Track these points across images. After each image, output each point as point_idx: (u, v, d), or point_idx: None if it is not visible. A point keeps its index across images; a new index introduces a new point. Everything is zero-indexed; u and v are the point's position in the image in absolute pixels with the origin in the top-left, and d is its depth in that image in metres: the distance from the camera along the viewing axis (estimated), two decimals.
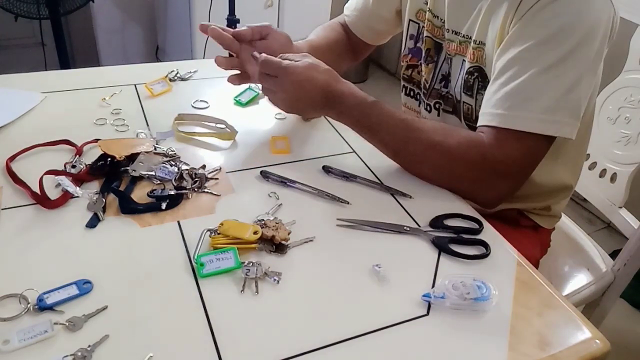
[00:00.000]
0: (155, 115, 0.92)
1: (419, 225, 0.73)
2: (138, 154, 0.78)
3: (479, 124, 0.80)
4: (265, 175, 0.79)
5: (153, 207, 0.71)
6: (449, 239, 0.70)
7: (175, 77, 1.05)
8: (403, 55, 1.05)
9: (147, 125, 0.90)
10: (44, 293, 0.57)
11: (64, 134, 0.83)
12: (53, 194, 0.72)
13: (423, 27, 0.97)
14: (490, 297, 0.61)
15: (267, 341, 0.55)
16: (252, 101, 1.00)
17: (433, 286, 0.63)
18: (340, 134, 0.92)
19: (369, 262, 0.65)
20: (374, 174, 0.83)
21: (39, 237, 0.65)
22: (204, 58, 2.23)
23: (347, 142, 0.90)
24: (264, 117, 0.96)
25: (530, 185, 0.86)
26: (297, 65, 0.81)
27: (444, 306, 0.61)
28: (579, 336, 0.59)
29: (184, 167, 0.78)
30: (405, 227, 0.72)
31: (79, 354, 0.51)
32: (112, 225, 0.68)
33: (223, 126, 0.91)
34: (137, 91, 1.00)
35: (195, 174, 0.77)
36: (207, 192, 0.75)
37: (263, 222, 0.68)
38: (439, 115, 0.99)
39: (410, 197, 0.78)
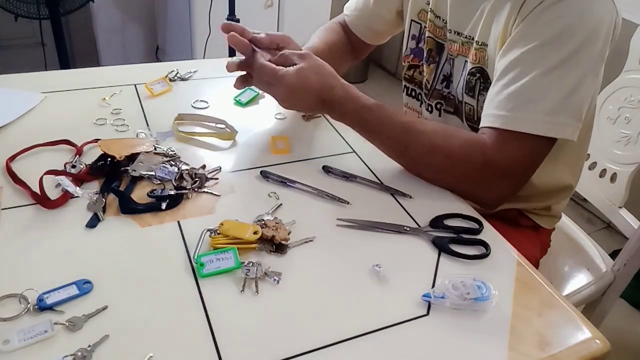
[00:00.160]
0: (155, 115, 0.92)
1: (419, 225, 0.73)
2: (138, 154, 0.78)
3: (481, 125, 0.80)
4: (265, 175, 0.79)
5: (153, 207, 0.71)
6: (449, 239, 0.70)
7: (175, 77, 1.05)
8: (404, 56, 1.05)
9: (147, 125, 0.90)
10: (44, 293, 0.57)
11: (64, 134, 0.83)
12: (53, 194, 0.72)
13: (425, 27, 0.97)
14: (490, 297, 0.61)
15: (267, 341, 0.55)
16: (252, 101, 1.00)
17: (433, 286, 0.63)
18: (340, 134, 0.92)
19: (369, 262, 0.65)
20: (374, 174, 0.83)
21: (39, 237, 0.65)
22: (204, 58, 2.23)
23: (347, 142, 0.90)
24: (264, 117, 0.96)
25: (530, 186, 0.86)
26: (290, 74, 0.79)
27: (444, 306, 0.61)
28: (579, 336, 0.59)
29: (184, 167, 0.78)
30: (405, 227, 0.72)
31: (79, 354, 0.51)
32: (112, 225, 0.68)
33: (223, 126, 0.91)
34: (137, 91, 1.00)
35: (195, 174, 0.77)
36: (207, 192, 0.75)
37: (263, 222, 0.68)
38: (440, 115, 0.99)
39: (410, 197, 0.78)
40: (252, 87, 1.00)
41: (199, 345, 0.54)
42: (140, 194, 0.73)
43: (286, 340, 0.55)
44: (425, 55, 0.98)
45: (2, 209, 0.69)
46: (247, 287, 0.61)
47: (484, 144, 0.77)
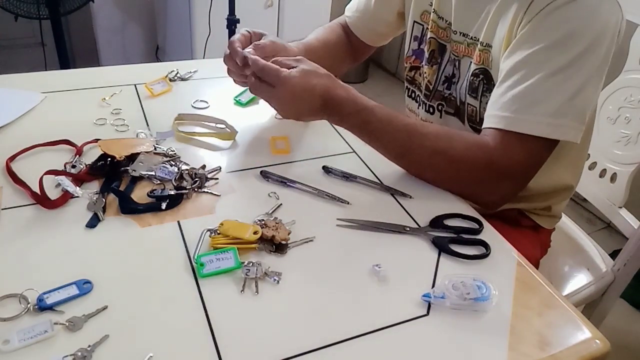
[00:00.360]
0: (155, 115, 0.92)
1: (419, 225, 0.73)
2: (138, 154, 0.78)
3: (484, 125, 0.80)
4: (265, 175, 0.79)
5: (153, 207, 0.71)
6: (449, 239, 0.70)
7: (175, 77, 1.05)
8: (406, 57, 1.05)
9: (147, 125, 0.90)
10: (44, 293, 0.57)
11: (64, 134, 0.83)
12: (53, 194, 0.72)
13: (427, 28, 0.97)
14: (490, 297, 0.61)
15: (267, 341, 0.55)
16: (252, 101, 1.00)
17: (433, 286, 0.63)
18: (340, 134, 0.92)
19: (369, 262, 0.65)
20: (374, 174, 0.83)
21: (39, 237, 0.65)
22: (204, 58, 2.23)
23: (347, 142, 0.90)
24: (264, 117, 0.96)
25: (531, 186, 0.86)
26: (294, 75, 0.77)
27: (444, 306, 0.61)
28: (579, 336, 0.59)
29: (184, 167, 0.78)
30: (405, 227, 0.72)
31: (79, 354, 0.51)
32: (112, 225, 0.68)
33: (223, 126, 0.91)
34: (137, 91, 1.00)
35: (195, 174, 0.77)
36: (207, 192, 0.75)
37: (263, 222, 0.68)
38: (441, 117, 0.99)
39: (410, 197, 0.78)
40: None
41: (199, 345, 0.54)
42: (140, 194, 0.73)
43: (286, 340, 0.55)
44: (426, 56, 0.98)
45: (2, 209, 0.69)
46: (247, 287, 0.61)
47: (487, 146, 0.77)
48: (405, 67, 1.06)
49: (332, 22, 1.13)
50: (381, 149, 0.82)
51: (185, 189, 0.74)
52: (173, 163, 0.79)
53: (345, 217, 0.73)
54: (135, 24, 2.60)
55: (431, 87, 0.99)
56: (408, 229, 0.72)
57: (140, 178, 0.76)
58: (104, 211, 0.69)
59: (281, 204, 0.74)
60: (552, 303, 0.63)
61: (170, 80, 1.04)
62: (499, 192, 0.80)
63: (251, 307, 0.59)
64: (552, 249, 1.07)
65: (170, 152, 0.81)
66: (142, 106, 0.95)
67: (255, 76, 0.80)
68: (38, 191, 0.70)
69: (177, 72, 1.06)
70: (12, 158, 0.78)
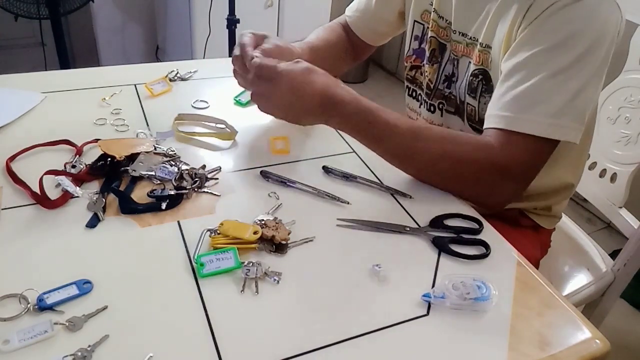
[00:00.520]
0: (155, 115, 0.92)
1: (419, 225, 0.73)
2: (138, 154, 0.78)
3: (485, 125, 0.80)
4: (265, 175, 0.79)
5: (153, 207, 0.71)
6: (449, 239, 0.70)
7: (175, 77, 1.05)
8: (407, 56, 1.05)
9: (147, 125, 0.90)
10: (44, 293, 0.57)
11: (64, 134, 0.83)
12: (53, 194, 0.72)
13: (427, 27, 0.97)
14: (490, 297, 0.61)
15: (267, 341, 0.55)
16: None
17: (433, 286, 0.63)
18: (340, 134, 0.92)
19: (369, 262, 0.65)
20: (374, 174, 0.83)
21: (39, 237, 0.65)
22: (204, 58, 2.23)
23: (347, 142, 0.90)
24: (264, 117, 0.96)
25: (532, 186, 0.86)
26: (293, 68, 0.77)
27: (444, 306, 0.61)
28: (579, 336, 0.59)
29: (184, 167, 0.78)
30: (405, 227, 0.72)
31: (79, 354, 0.51)
32: (112, 225, 0.68)
33: (223, 126, 0.91)
34: (137, 91, 1.00)
35: (195, 174, 0.77)
36: (207, 192, 0.75)
37: (263, 222, 0.68)
38: (442, 115, 0.99)
39: (410, 197, 0.78)
40: None
41: (199, 345, 0.54)
42: (140, 194, 0.73)
43: (286, 340, 0.55)
44: (427, 55, 0.98)
45: (2, 209, 0.69)
46: (247, 287, 0.61)
47: (491, 147, 0.76)
48: (406, 67, 1.06)
49: (332, 22, 1.13)
50: (384, 153, 0.80)
51: (185, 189, 0.74)
52: (173, 163, 0.79)
53: (345, 217, 0.73)
54: (135, 24, 2.60)
55: (432, 86, 0.99)
56: (408, 229, 0.72)
57: (140, 178, 0.76)
58: (104, 211, 0.69)
59: (281, 204, 0.74)
60: (552, 303, 0.63)
61: (170, 80, 1.04)
62: (502, 194, 0.80)
63: (251, 307, 0.59)
64: (552, 249, 1.07)
65: (170, 152, 0.81)
66: (142, 106, 0.95)
67: (255, 75, 0.79)
68: (38, 191, 0.70)
69: (177, 72, 1.06)
70: (12, 158, 0.78)
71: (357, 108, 0.77)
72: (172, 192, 0.73)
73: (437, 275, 0.65)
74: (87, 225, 0.67)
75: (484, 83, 0.87)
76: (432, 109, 1.01)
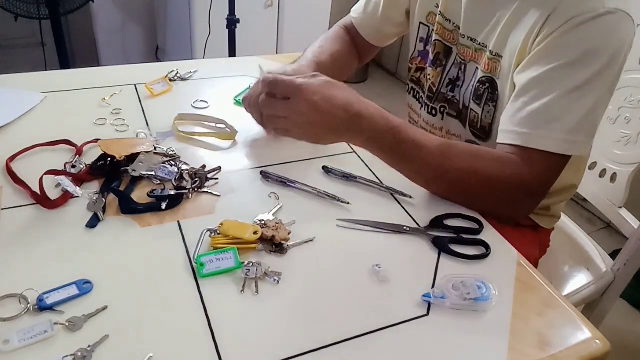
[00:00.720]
0: (155, 115, 0.92)
1: (419, 225, 0.73)
2: (138, 154, 0.78)
3: (501, 140, 0.79)
4: (265, 175, 0.79)
5: (153, 207, 0.71)
6: (449, 239, 0.70)
7: (175, 77, 1.05)
8: (412, 58, 1.05)
9: (147, 125, 0.90)
10: (44, 293, 0.57)
11: (64, 134, 0.83)
12: (53, 194, 0.72)
13: (432, 30, 0.97)
14: (490, 297, 0.61)
15: (267, 341, 0.55)
16: None
17: (433, 286, 0.63)
18: None
19: (369, 262, 0.65)
20: (374, 174, 0.83)
21: (39, 237, 0.65)
22: (204, 58, 2.23)
23: (347, 142, 0.90)
24: None
25: None
26: (312, 82, 0.71)
27: (444, 306, 0.61)
28: (579, 336, 0.59)
29: (184, 167, 0.78)
30: (405, 227, 0.72)
31: (79, 354, 0.51)
32: (112, 225, 0.68)
33: (223, 126, 0.91)
34: (137, 91, 1.00)
35: (195, 174, 0.77)
36: (207, 192, 0.75)
37: (263, 222, 0.69)
38: (443, 119, 0.99)
39: (410, 197, 0.78)
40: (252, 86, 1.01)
41: (199, 345, 0.54)
42: (140, 194, 0.73)
43: (286, 340, 0.55)
44: (431, 57, 0.98)
45: (2, 209, 0.69)
46: (247, 287, 0.61)
47: (516, 163, 0.75)
48: (411, 68, 1.06)
49: (335, 29, 1.11)
50: (410, 172, 0.77)
51: (185, 189, 0.74)
52: (173, 163, 0.79)
53: (345, 217, 0.73)
54: (135, 24, 2.60)
55: (434, 89, 0.99)
56: (408, 229, 0.72)
57: (140, 178, 0.76)
58: (104, 211, 0.69)
59: (281, 204, 0.74)
60: (552, 303, 0.63)
61: (170, 80, 1.04)
62: (523, 209, 0.81)
63: (251, 307, 0.59)
64: (552, 249, 1.07)
65: (170, 152, 0.81)
66: (142, 106, 0.95)
67: (267, 95, 0.73)
68: (38, 191, 0.70)
69: (177, 72, 1.06)
70: (12, 158, 0.78)
71: (386, 125, 0.74)
72: (172, 192, 0.73)
73: (437, 275, 0.65)
74: (87, 225, 0.67)
75: (489, 91, 0.87)
76: (433, 112, 1.00)
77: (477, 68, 0.89)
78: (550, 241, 1.07)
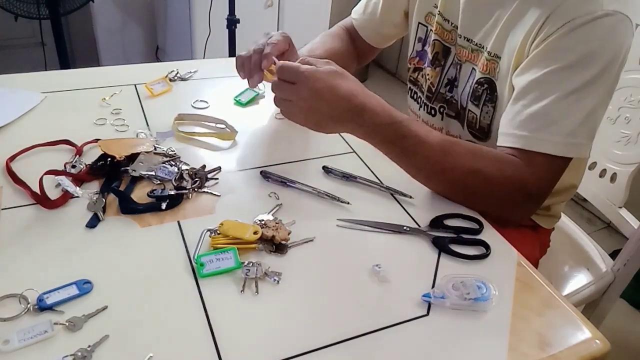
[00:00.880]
0: (155, 115, 0.92)
1: (419, 225, 0.73)
2: (138, 154, 0.78)
3: (500, 143, 0.79)
4: (265, 175, 0.79)
5: (153, 207, 0.71)
6: (449, 239, 0.70)
7: (175, 77, 1.05)
8: (410, 58, 1.05)
9: (147, 125, 0.90)
10: (44, 293, 0.57)
11: (64, 134, 0.83)
12: (53, 194, 0.72)
13: (431, 30, 0.97)
14: (490, 297, 0.61)
15: (267, 341, 0.55)
16: (252, 101, 1.00)
17: (433, 286, 0.63)
18: (340, 134, 0.92)
19: (369, 262, 0.65)
20: (374, 174, 0.83)
21: (39, 237, 0.65)
22: (204, 58, 2.23)
23: (347, 142, 0.90)
24: (264, 117, 0.96)
25: None
26: (318, 70, 0.72)
27: (444, 306, 0.61)
28: (579, 336, 0.59)
29: (184, 167, 0.78)
30: (405, 227, 0.72)
31: (79, 354, 0.51)
32: (112, 225, 0.68)
33: (223, 126, 0.91)
34: (137, 91, 1.00)
35: (195, 174, 0.77)
36: (207, 192, 0.75)
37: (263, 222, 0.69)
38: (442, 119, 0.99)
39: (410, 197, 0.78)
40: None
41: (199, 345, 0.54)
42: (140, 194, 0.73)
43: (286, 340, 0.55)
44: (430, 57, 0.98)
45: (2, 209, 0.69)
46: (247, 287, 0.61)
47: (519, 166, 0.75)
48: (409, 68, 1.06)
49: (335, 28, 1.12)
50: (411, 167, 0.78)
51: (185, 189, 0.74)
52: (173, 163, 0.79)
53: (345, 217, 0.73)
54: (135, 24, 2.60)
55: (433, 89, 0.99)
56: (408, 229, 0.72)
57: (140, 178, 0.76)
58: (104, 211, 0.69)
59: (281, 204, 0.74)
60: (552, 303, 0.63)
61: (170, 80, 1.04)
62: (525, 210, 0.81)
63: (251, 307, 0.59)
64: (552, 248, 1.07)
65: (170, 152, 0.81)
66: (142, 106, 0.95)
67: (277, 76, 0.75)
68: (38, 191, 0.70)
69: (177, 72, 1.06)
70: (12, 158, 0.78)
71: (389, 119, 0.74)
72: (172, 192, 0.73)
73: (437, 275, 0.65)
74: (87, 225, 0.67)
75: (488, 92, 0.87)
76: (432, 112, 1.00)
77: (474, 69, 0.89)
78: (550, 241, 1.07)
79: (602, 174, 1.14)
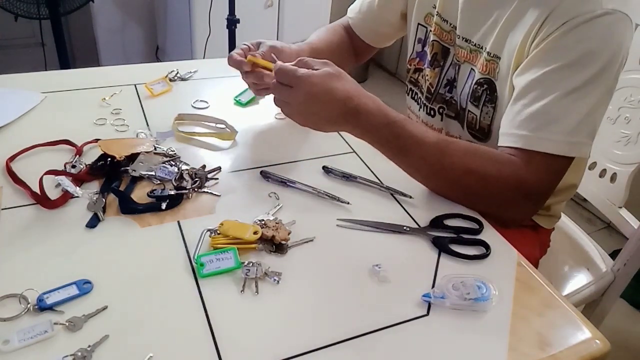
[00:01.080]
0: (155, 115, 0.92)
1: (419, 225, 0.73)
2: (138, 154, 0.78)
3: (501, 143, 0.79)
4: (265, 175, 0.79)
5: (153, 207, 0.71)
6: (449, 239, 0.70)
7: (175, 77, 1.05)
8: (410, 59, 1.05)
9: (147, 125, 0.90)
10: (44, 293, 0.57)
11: (64, 134, 0.83)
12: (53, 194, 0.72)
13: (430, 30, 0.97)
14: (490, 297, 0.61)
15: (267, 341, 0.55)
16: (252, 101, 1.00)
17: (433, 286, 0.63)
18: (340, 134, 0.92)
19: (369, 262, 0.65)
20: (374, 174, 0.83)
21: (39, 237, 0.65)
22: (204, 58, 2.23)
23: (347, 142, 0.90)
24: (264, 117, 0.96)
25: None
26: (314, 74, 0.73)
27: (444, 306, 0.61)
28: (579, 336, 0.59)
29: (184, 167, 0.78)
30: (405, 227, 0.72)
31: (79, 354, 0.51)
32: (112, 225, 0.68)
33: (223, 126, 0.91)
34: (137, 91, 1.00)
35: (195, 174, 0.77)
36: (207, 192, 0.75)
37: (263, 222, 0.69)
38: (442, 120, 0.99)
39: (410, 197, 0.78)
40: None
41: (199, 345, 0.54)
42: (140, 194, 0.73)
43: (286, 340, 0.55)
44: (429, 58, 0.98)
45: (2, 209, 0.69)
46: (247, 287, 0.61)
47: (517, 164, 0.75)
48: (409, 69, 1.06)
49: (333, 24, 1.12)
50: (407, 166, 0.78)
51: (185, 189, 0.74)
52: (173, 163, 0.79)
53: (345, 217, 0.73)
54: (135, 24, 2.60)
55: (432, 90, 0.99)
56: (408, 229, 0.72)
57: (140, 178, 0.76)
58: (104, 211, 0.69)
59: (281, 204, 0.74)
60: (552, 303, 0.63)
61: (170, 80, 1.04)
62: (524, 211, 0.80)
63: (251, 307, 0.59)
64: (552, 249, 1.07)
65: (170, 152, 0.81)
66: (142, 106, 0.95)
67: (276, 79, 0.76)
68: (38, 191, 0.70)
69: (177, 72, 1.06)
70: (12, 158, 0.78)
71: (384, 119, 0.75)
72: (172, 192, 0.73)
73: (437, 275, 0.65)
74: (87, 225, 0.67)
75: (488, 93, 0.87)
76: (432, 113, 1.00)
77: (472, 69, 0.89)
78: (550, 241, 1.07)
79: (602, 174, 1.14)
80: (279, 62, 0.76)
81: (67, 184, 0.70)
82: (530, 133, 0.75)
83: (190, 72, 1.07)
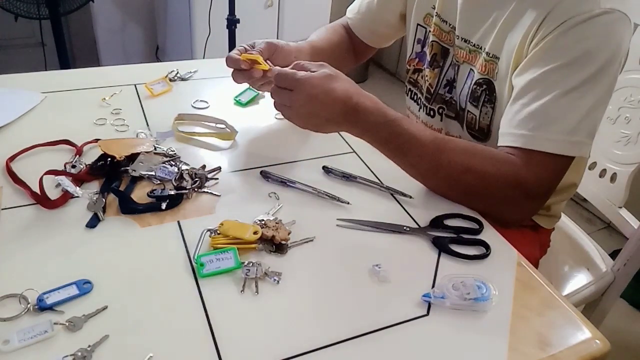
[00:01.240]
0: (155, 115, 0.92)
1: (419, 225, 0.73)
2: (138, 154, 0.78)
3: (501, 143, 0.79)
4: (265, 175, 0.79)
5: (153, 207, 0.71)
6: (449, 239, 0.70)
7: (175, 77, 1.05)
8: (410, 59, 1.05)
9: (147, 125, 0.90)
10: (44, 293, 0.57)
11: (64, 134, 0.83)
12: (53, 194, 0.72)
13: (429, 31, 0.97)
14: (490, 297, 0.61)
15: (267, 341, 0.55)
16: (252, 101, 1.00)
17: (433, 286, 0.63)
18: (340, 134, 0.92)
19: (369, 262, 0.65)
20: (374, 174, 0.83)
21: (39, 237, 0.65)
22: (204, 58, 2.23)
23: (347, 142, 0.90)
24: (264, 117, 0.96)
25: None
26: (313, 76, 0.74)
27: (444, 306, 0.61)
28: (579, 336, 0.59)
29: (184, 167, 0.78)
30: (405, 227, 0.72)
31: (79, 354, 0.51)
32: (112, 225, 0.68)
33: (223, 126, 0.91)
34: (137, 91, 1.00)
35: (195, 174, 0.77)
36: (207, 192, 0.75)
37: (263, 222, 0.69)
38: (442, 120, 0.99)
39: (410, 197, 0.78)
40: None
41: (199, 345, 0.54)
42: (140, 194, 0.73)
43: (286, 340, 0.55)
44: (428, 59, 0.98)
45: (2, 209, 0.69)
46: (247, 287, 0.61)
47: (516, 164, 0.75)
48: (409, 70, 1.06)
49: (333, 23, 1.13)
50: (406, 165, 0.78)
51: (185, 189, 0.74)
52: (173, 163, 0.79)
53: (345, 217, 0.73)
54: (135, 24, 2.60)
55: (432, 90, 0.99)
56: (408, 229, 0.72)
57: (140, 178, 0.76)
58: (104, 211, 0.69)
59: (281, 204, 0.74)
60: (552, 303, 0.63)
61: (170, 80, 1.04)
62: (524, 210, 0.80)
63: (251, 307, 0.59)
64: (552, 248, 1.07)
65: (170, 152, 0.81)
66: (142, 106, 0.95)
67: (275, 84, 0.77)
68: (38, 191, 0.70)
69: (177, 72, 1.06)
70: (12, 158, 0.78)
71: (382, 118, 0.75)
72: (172, 192, 0.73)
73: (437, 275, 0.65)
74: (87, 225, 0.67)
75: (487, 93, 0.87)
76: (431, 113, 1.00)
77: (472, 70, 0.89)
78: (550, 241, 1.07)
79: (602, 174, 1.14)
80: (277, 67, 0.77)
81: (67, 184, 0.70)
82: (530, 132, 0.75)
83: (190, 72, 1.07)
